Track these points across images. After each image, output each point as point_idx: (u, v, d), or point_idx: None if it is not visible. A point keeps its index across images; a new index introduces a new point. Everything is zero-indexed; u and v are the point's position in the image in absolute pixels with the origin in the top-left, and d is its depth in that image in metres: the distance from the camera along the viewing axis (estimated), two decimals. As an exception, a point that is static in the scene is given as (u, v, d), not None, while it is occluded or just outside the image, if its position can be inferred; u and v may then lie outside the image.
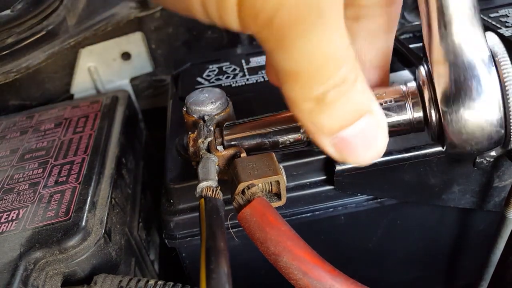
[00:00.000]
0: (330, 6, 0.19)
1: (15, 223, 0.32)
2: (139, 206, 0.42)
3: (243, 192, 0.25)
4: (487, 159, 0.31)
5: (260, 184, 0.26)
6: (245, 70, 0.45)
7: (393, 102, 0.26)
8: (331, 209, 0.35)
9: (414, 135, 0.33)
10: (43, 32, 0.51)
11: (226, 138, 0.29)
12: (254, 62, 0.46)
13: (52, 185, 0.36)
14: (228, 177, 0.27)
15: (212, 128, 0.29)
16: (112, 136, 0.42)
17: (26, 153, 0.40)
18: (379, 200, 0.35)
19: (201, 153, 0.28)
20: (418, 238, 0.40)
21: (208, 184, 0.25)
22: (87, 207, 0.33)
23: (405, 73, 0.41)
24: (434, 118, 0.24)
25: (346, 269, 0.23)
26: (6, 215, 0.33)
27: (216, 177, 0.26)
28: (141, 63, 0.57)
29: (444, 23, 0.23)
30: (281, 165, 0.27)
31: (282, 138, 0.27)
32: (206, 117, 0.31)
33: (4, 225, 0.32)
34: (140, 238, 0.40)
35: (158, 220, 0.44)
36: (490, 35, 0.24)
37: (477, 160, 0.31)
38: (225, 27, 0.19)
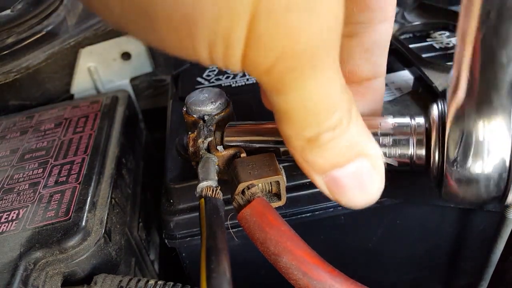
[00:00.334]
0: (326, 56, 0.19)
1: (15, 223, 0.32)
2: (139, 206, 0.42)
3: (243, 192, 0.25)
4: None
5: (260, 184, 0.26)
6: (245, 70, 0.45)
7: (397, 136, 0.25)
8: (331, 209, 0.35)
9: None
10: (43, 32, 0.51)
11: (226, 139, 0.29)
12: (254, 62, 0.46)
13: (52, 185, 0.36)
14: (228, 177, 0.27)
15: (212, 128, 0.29)
16: (112, 136, 0.42)
17: (26, 153, 0.40)
18: (379, 200, 0.35)
19: (201, 153, 0.28)
20: (418, 238, 0.40)
21: (208, 184, 0.25)
22: (87, 207, 0.33)
23: (405, 73, 0.41)
24: (436, 162, 0.24)
25: (346, 269, 0.23)
26: (6, 215, 0.33)
27: (216, 177, 0.26)
28: (141, 63, 0.57)
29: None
30: (281, 165, 0.27)
31: (283, 148, 0.27)
32: (206, 117, 0.31)
33: (4, 225, 0.32)
34: (140, 238, 0.40)
35: (158, 220, 0.44)
36: None
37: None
38: (226, 69, 0.20)
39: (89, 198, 0.34)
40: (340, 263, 0.24)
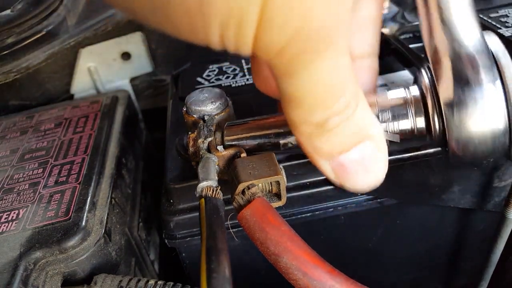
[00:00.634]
0: (338, 37, 0.19)
1: (15, 223, 0.32)
2: (139, 206, 0.42)
3: (243, 192, 0.25)
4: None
5: (260, 184, 0.26)
6: (245, 70, 0.45)
7: (395, 110, 0.25)
8: (331, 209, 0.35)
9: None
10: (43, 32, 0.51)
11: (226, 138, 0.29)
12: (254, 62, 0.46)
13: (52, 185, 0.36)
14: (228, 177, 0.27)
15: (212, 128, 0.29)
16: (112, 136, 0.42)
17: (26, 153, 0.40)
18: (379, 200, 0.35)
19: (201, 153, 0.28)
20: (418, 238, 0.40)
21: (208, 184, 0.25)
22: (87, 207, 0.33)
23: (405, 73, 0.41)
24: (437, 125, 0.24)
25: (346, 269, 0.23)
26: (6, 215, 0.33)
27: (216, 177, 0.26)
28: (141, 63, 0.57)
29: (445, 27, 0.23)
30: (281, 165, 0.27)
31: (283, 140, 0.27)
32: (206, 117, 0.31)
33: (4, 225, 0.32)
34: (140, 238, 0.40)
35: (158, 220, 0.44)
36: (491, 37, 0.24)
37: (477, 160, 0.31)
38: (235, 53, 0.20)
39: (89, 198, 0.34)
40: (340, 263, 0.24)
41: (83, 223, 0.31)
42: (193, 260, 0.37)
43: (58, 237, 0.30)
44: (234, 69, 0.46)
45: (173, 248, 0.35)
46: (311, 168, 0.34)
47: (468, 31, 0.22)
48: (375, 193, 0.35)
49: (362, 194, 0.33)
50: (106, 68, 0.56)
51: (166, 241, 0.35)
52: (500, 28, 0.39)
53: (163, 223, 0.34)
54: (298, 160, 0.33)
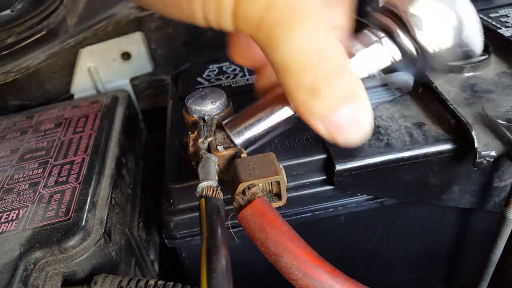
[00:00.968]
0: (310, 4, 0.21)
1: (15, 223, 0.32)
2: (139, 206, 0.42)
3: (243, 192, 0.25)
4: (487, 159, 0.31)
5: (260, 184, 0.26)
6: (245, 70, 0.45)
7: (369, 48, 0.28)
8: (331, 209, 0.35)
9: (414, 135, 0.33)
10: (43, 32, 0.51)
11: (232, 132, 0.29)
12: (254, 62, 0.46)
13: (52, 185, 0.36)
14: (228, 177, 0.27)
15: (212, 128, 0.29)
16: (112, 136, 0.42)
17: (26, 153, 0.40)
18: (379, 200, 0.35)
19: (201, 153, 0.28)
20: (418, 238, 0.40)
21: (208, 184, 0.25)
22: (87, 207, 0.33)
23: (405, 73, 0.41)
24: (411, 47, 0.27)
25: (346, 269, 0.23)
26: (6, 215, 0.33)
27: (216, 177, 0.26)
28: (141, 63, 0.57)
29: None
30: (281, 165, 0.27)
31: (286, 114, 0.28)
32: (206, 117, 0.31)
33: (4, 225, 0.32)
34: (140, 238, 0.40)
35: (158, 220, 0.44)
36: None
37: (477, 160, 0.31)
38: (221, 29, 0.22)
39: (89, 198, 0.34)
40: (340, 263, 0.24)
41: (83, 223, 0.31)
42: (193, 260, 0.37)
43: (58, 237, 0.30)
44: (234, 69, 0.46)
45: (173, 248, 0.35)
46: (311, 168, 0.34)
47: None
48: (375, 193, 0.35)
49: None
50: (106, 68, 0.56)
51: (166, 241, 0.35)
52: (500, 28, 0.39)
53: (163, 223, 0.34)
54: (298, 160, 0.33)
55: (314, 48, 0.22)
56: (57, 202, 0.34)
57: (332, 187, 0.34)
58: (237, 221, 0.25)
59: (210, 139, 0.28)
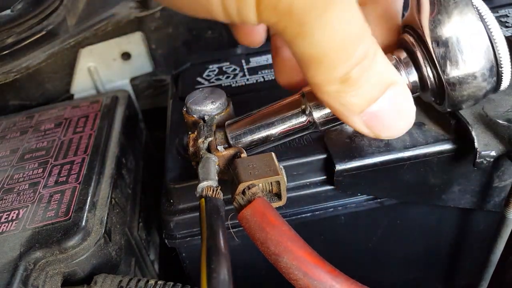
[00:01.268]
0: None
1: (15, 223, 0.32)
2: (139, 206, 0.42)
3: (243, 192, 0.25)
4: (487, 159, 0.31)
5: (260, 184, 0.26)
6: (245, 70, 0.45)
7: None
8: (331, 209, 0.35)
9: (414, 135, 0.33)
10: (43, 32, 0.51)
11: (231, 135, 0.29)
12: (254, 62, 0.46)
13: (52, 185, 0.36)
14: (228, 177, 0.27)
15: (212, 128, 0.29)
16: (112, 136, 0.42)
17: (26, 153, 0.40)
18: (379, 200, 0.35)
19: (201, 153, 0.28)
20: (418, 238, 0.40)
21: (208, 184, 0.25)
22: (87, 207, 0.33)
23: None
24: (431, 75, 0.25)
25: (346, 269, 0.23)
26: (6, 215, 0.33)
27: (217, 177, 0.26)
28: (141, 63, 0.57)
29: None
30: (281, 165, 0.27)
31: (288, 125, 0.28)
32: (206, 117, 0.31)
33: (4, 225, 0.32)
34: (140, 238, 0.40)
35: (158, 220, 0.44)
36: None
37: (477, 160, 0.31)
38: (243, 23, 0.20)
39: (89, 198, 0.34)
40: (340, 263, 0.24)
41: (83, 223, 0.31)
42: (193, 260, 0.37)
43: (58, 237, 0.30)
44: (234, 69, 0.46)
45: (173, 248, 0.35)
46: (311, 168, 0.34)
47: None
48: (375, 193, 0.35)
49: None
50: (106, 68, 0.56)
51: (166, 241, 0.35)
52: (500, 28, 0.39)
53: (163, 223, 0.34)
54: (298, 160, 0.33)
55: (348, 33, 0.20)
56: (57, 202, 0.34)
57: (332, 187, 0.34)
58: (237, 221, 0.25)
59: (210, 139, 0.28)
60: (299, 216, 0.35)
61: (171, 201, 0.34)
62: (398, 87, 0.23)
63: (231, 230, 0.27)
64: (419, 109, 0.36)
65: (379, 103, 0.22)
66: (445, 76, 0.25)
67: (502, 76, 0.25)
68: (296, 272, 0.22)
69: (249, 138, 0.29)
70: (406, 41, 0.26)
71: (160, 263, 0.44)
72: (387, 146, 0.32)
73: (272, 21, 0.19)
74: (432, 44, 0.24)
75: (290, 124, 0.28)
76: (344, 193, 0.34)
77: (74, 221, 0.31)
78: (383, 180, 0.33)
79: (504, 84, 0.25)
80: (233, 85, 0.43)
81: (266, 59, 0.46)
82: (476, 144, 0.30)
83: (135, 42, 0.56)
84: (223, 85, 0.43)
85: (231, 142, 0.29)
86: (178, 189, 0.33)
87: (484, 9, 0.24)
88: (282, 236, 0.23)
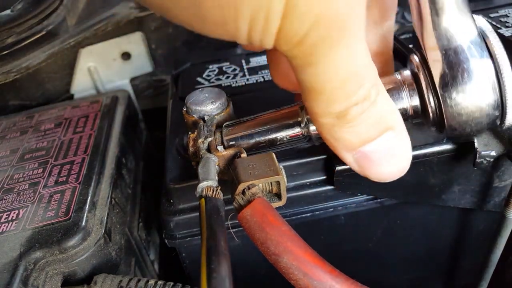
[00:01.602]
0: (355, 24, 0.19)
1: (15, 223, 0.32)
2: (139, 206, 0.42)
3: (243, 192, 0.25)
4: (487, 159, 0.31)
5: (260, 185, 0.26)
6: (245, 70, 0.45)
7: (390, 92, 0.26)
8: (331, 209, 0.35)
9: (415, 135, 0.33)
10: (43, 32, 0.51)
11: (226, 138, 0.29)
12: (254, 62, 0.46)
13: (52, 185, 0.36)
14: (228, 177, 0.27)
15: (212, 128, 0.29)
16: (112, 136, 0.42)
17: (26, 153, 0.40)
18: (379, 200, 0.35)
19: (201, 153, 0.28)
20: (418, 238, 0.40)
21: (208, 184, 0.25)
22: (87, 207, 0.33)
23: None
24: (432, 103, 0.25)
25: (346, 269, 0.23)
26: (6, 215, 0.33)
27: (216, 177, 0.26)
28: (141, 63, 0.57)
29: (436, 11, 0.23)
30: (281, 165, 0.27)
31: (282, 134, 0.28)
32: (206, 117, 0.31)
33: (4, 225, 0.32)
34: (140, 238, 0.40)
35: (158, 220, 0.44)
36: (478, 18, 0.25)
37: (477, 160, 0.31)
38: (260, 47, 0.21)
39: (89, 198, 0.34)
40: (340, 263, 0.24)
41: (83, 223, 0.31)
42: (193, 260, 0.37)
43: (58, 237, 0.30)
44: (234, 69, 0.46)
45: (173, 248, 0.35)
46: (311, 168, 0.34)
47: (460, 16, 0.23)
48: (375, 193, 0.35)
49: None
50: (106, 68, 0.56)
51: (166, 241, 0.35)
52: (500, 28, 0.39)
53: (163, 223, 0.34)
54: (298, 160, 0.33)
55: (351, 70, 0.20)
56: (57, 202, 0.34)
57: (332, 187, 0.34)
58: (237, 221, 0.25)
59: (210, 139, 0.28)
60: (299, 216, 0.35)
61: (171, 201, 0.34)
62: (395, 133, 0.22)
63: (231, 230, 0.27)
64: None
65: (374, 144, 0.22)
66: (445, 104, 0.24)
67: (506, 109, 0.24)
68: (296, 272, 0.22)
69: (245, 143, 0.29)
70: (412, 63, 0.26)
71: (160, 263, 0.44)
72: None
73: (284, 47, 0.20)
74: (433, 65, 0.24)
75: (285, 134, 0.28)
76: (344, 193, 0.34)
77: (74, 221, 0.31)
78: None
79: (509, 120, 0.24)
80: (233, 85, 0.43)
81: (266, 59, 0.46)
82: (476, 144, 0.30)
83: (135, 42, 0.56)
84: (223, 85, 0.43)
85: (225, 144, 0.29)
86: (178, 189, 0.33)
87: (496, 43, 0.24)
88: (282, 236, 0.23)
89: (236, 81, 0.44)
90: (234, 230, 0.27)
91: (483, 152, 0.30)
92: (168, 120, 0.41)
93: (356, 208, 0.35)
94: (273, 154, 0.27)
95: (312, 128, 0.27)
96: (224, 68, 0.46)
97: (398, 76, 0.26)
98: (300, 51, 0.20)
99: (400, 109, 0.26)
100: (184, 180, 0.33)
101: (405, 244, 0.40)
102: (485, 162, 0.31)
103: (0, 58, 0.49)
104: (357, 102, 0.21)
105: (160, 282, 0.30)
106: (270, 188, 0.26)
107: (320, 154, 0.33)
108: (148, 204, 0.45)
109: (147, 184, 0.47)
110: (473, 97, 0.23)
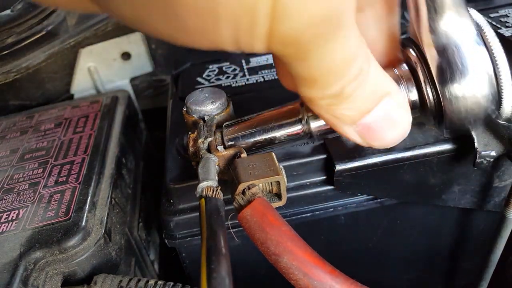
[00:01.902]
0: (348, 17, 0.19)
1: (15, 223, 0.32)
2: (139, 206, 0.42)
3: (243, 192, 0.25)
4: (487, 159, 0.31)
5: (260, 185, 0.26)
6: (245, 70, 0.45)
7: None
8: (331, 209, 0.35)
9: (414, 135, 0.33)
10: (43, 32, 0.51)
11: (226, 137, 0.29)
12: (254, 62, 0.46)
13: (52, 185, 0.36)
14: (228, 177, 0.27)
15: (212, 128, 0.29)
16: (112, 136, 0.42)
17: (26, 153, 0.40)
18: (379, 200, 0.35)
19: (201, 153, 0.28)
20: (418, 238, 0.40)
21: (208, 184, 0.25)
22: (87, 207, 0.33)
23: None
24: (431, 98, 0.25)
25: (346, 269, 0.23)
26: (6, 215, 0.33)
27: (217, 177, 0.26)
28: (141, 63, 0.57)
29: (433, 7, 0.24)
30: (281, 165, 0.27)
31: (283, 132, 0.28)
32: (206, 117, 0.31)
33: (4, 225, 0.32)
34: (140, 238, 0.40)
35: (158, 220, 0.44)
36: (473, 12, 0.25)
37: (477, 160, 0.31)
38: (250, 52, 0.20)
39: (89, 198, 0.34)
40: (340, 263, 0.24)
41: (83, 223, 0.31)
42: (193, 260, 0.37)
43: (58, 237, 0.30)
44: (234, 69, 0.46)
45: (173, 248, 0.35)
46: (311, 168, 0.34)
47: (457, 12, 0.24)
48: (375, 193, 0.35)
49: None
50: (106, 68, 0.56)
51: (166, 241, 0.35)
52: (500, 28, 0.39)
53: (163, 223, 0.34)
54: (298, 160, 0.33)
55: (345, 55, 0.20)
56: (57, 202, 0.34)
57: (332, 187, 0.34)
58: (237, 221, 0.25)
59: (210, 139, 0.28)
60: (299, 216, 0.35)
61: (171, 201, 0.34)
62: (392, 98, 0.23)
63: (231, 230, 0.27)
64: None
65: (373, 114, 0.22)
66: (443, 99, 0.24)
67: (502, 98, 0.24)
68: (296, 272, 0.22)
69: (244, 142, 0.29)
70: (409, 57, 0.26)
71: (160, 263, 0.44)
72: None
73: (277, 49, 0.19)
74: (431, 60, 0.24)
75: (286, 132, 0.28)
76: (344, 193, 0.34)
77: (74, 221, 0.31)
78: (383, 180, 0.33)
79: (505, 111, 0.25)
80: (233, 85, 0.43)
81: (266, 59, 0.46)
82: (476, 144, 0.30)
83: (135, 42, 0.56)
84: (223, 85, 0.43)
85: (226, 144, 0.29)
86: (178, 189, 0.33)
87: (491, 37, 0.24)
88: (282, 236, 0.23)
89: (236, 81, 0.44)
90: (234, 230, 0.27)
91: (483, 152, 0.30)
92: (168, 120, 0.41)
93: (356, 208, 0.35)
94: (273, 154, 0.27)
95: (313, 125, 0.27)
96: (224, 68, 0.46)
97: (396, 71, 0.26)
98: (293, 50, 0.19)
99: None
100: (184, 180, 0.33)
101: (405, 244, 0.40)
102: (485, 162, 0.31)
103: (0, 58, 0.49)
104: (351, 80, 0.21)
105: (160, 282, 0.30)
106: (270, 188, 0.26)
107: (320, 154, 0.33)
108: (148, 204, 0.45)
109: (147, 184, 0.47)
110: (472, 91, 0.23)
